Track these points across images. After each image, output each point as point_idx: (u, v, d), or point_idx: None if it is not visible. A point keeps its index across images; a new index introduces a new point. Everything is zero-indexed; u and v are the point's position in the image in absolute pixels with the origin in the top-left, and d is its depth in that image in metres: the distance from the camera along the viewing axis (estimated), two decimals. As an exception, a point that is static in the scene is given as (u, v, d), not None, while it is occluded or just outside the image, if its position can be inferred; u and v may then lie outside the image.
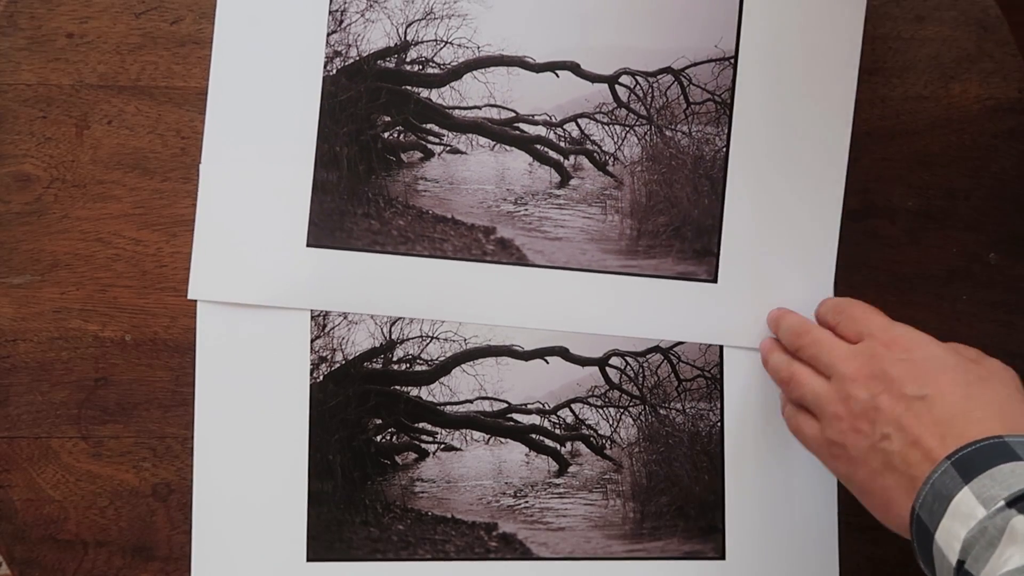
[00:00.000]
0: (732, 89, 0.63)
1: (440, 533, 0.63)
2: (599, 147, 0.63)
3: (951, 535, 0.45)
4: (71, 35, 0.64)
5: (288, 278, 0.62)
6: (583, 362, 0.64)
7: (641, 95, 0.63)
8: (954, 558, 0.45)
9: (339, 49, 0.63)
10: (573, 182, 0.63)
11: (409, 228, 0.63)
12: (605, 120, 0.63)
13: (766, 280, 0.63)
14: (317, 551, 0.62)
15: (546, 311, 0.63)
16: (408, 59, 0.63)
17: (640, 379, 0.64)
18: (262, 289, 0.62)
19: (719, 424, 0.64)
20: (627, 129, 0.63)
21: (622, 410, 0.64)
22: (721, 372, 0.64)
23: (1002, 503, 0.44)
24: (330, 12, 0.63)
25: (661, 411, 0.64)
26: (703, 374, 0.64)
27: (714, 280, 0.63)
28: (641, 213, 0.63)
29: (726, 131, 0.63)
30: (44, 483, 0.63)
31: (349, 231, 0.62)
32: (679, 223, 0.63)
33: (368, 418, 0.63)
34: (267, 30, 0.63)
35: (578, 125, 0.63)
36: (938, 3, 0.66)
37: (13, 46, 0.64)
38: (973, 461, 0.46)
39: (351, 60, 0.63)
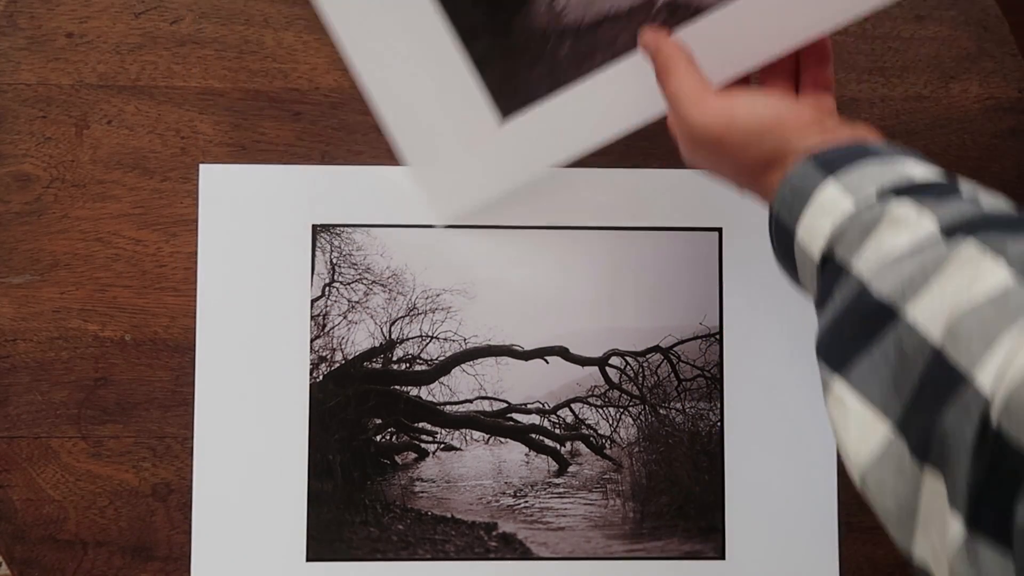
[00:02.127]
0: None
1: (440, 533, 0.63)
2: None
3: (815, 232, 0.41)
4: (71, 35, 0.64)
5: None
6: (583, 362, 0.64)
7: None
8: (818, 255, 0.41)
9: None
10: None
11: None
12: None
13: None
14: (317, 551, 0.62)
15: None
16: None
17: (640, 379, 0.64)
18: None
19: (719, 424, 0.64)
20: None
21: (622, 410, 0.64)
22: (721, 372, 0.64)
23: (873, 196, 0.39)
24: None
25: (661, 411, 0.64)
26: (703, 374, 0.64)
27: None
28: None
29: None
30: (44, 483, 0.63)
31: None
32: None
33: (368, 418, 0.63)
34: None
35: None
36: (938, 3, 0.66)
37: (13, 46, 0.64)
38: (836, 159, 0.42)
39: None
